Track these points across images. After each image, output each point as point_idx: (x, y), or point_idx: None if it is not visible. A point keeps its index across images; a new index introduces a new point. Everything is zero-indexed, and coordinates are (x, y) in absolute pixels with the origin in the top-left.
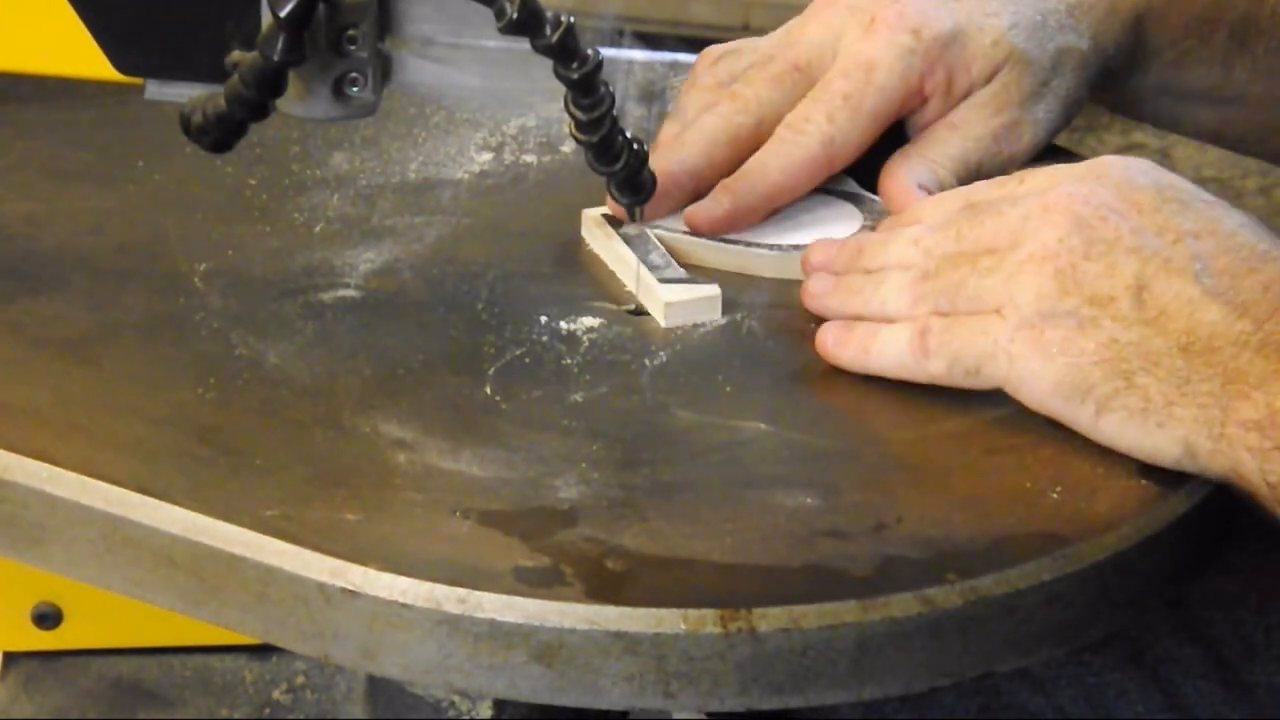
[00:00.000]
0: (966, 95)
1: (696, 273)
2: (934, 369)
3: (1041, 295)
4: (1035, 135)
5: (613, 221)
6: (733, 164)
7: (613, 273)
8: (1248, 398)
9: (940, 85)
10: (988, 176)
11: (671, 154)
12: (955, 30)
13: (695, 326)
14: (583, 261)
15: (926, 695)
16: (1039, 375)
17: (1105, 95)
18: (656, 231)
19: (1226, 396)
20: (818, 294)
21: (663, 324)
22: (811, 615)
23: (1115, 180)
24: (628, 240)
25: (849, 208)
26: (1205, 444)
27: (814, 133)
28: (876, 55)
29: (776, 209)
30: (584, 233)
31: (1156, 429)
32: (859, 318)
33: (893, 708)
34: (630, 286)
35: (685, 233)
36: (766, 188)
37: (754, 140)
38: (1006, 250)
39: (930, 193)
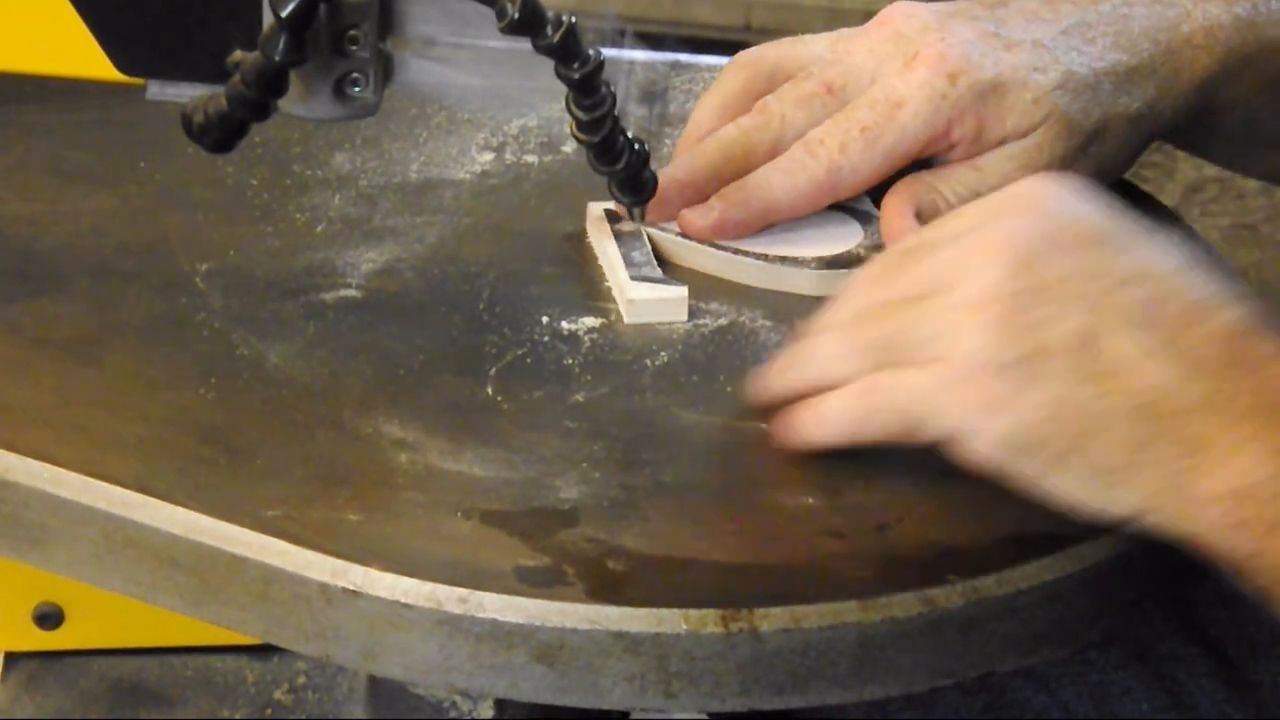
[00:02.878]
0: (999, 144)
1: (683, 275)
2: (877, 428)
3: (984, 345)
4: None
5: (612, 217)
6: (741, 177)
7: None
8: (1212, 471)
9: (969, 133)
10: None
11: (684, 160)
12: (995, 81)
13: (697, 327)
14: (584, 261)
15: (930, 693)
16: (985, 432)
17: (1167, 143)
18: (651, 231)
19: (1186, 467)
20: (764, 387)
21: (625, 320)
22: (813, 615)
23: (1054, 213)
24: (619, 237)
25: (852, 224)
26: (1165, 509)
27: (823, 159)
28: (907, 94)
29: (771, 223)
30: (588, 224)
31: (1105, 490)
32: (811, 390)
33: (896, 705)
34: (609, 281)
35: (680, 235)
36: (762, 204)
37: (769, 158)
38: (945, 292)
39: (924, 221)
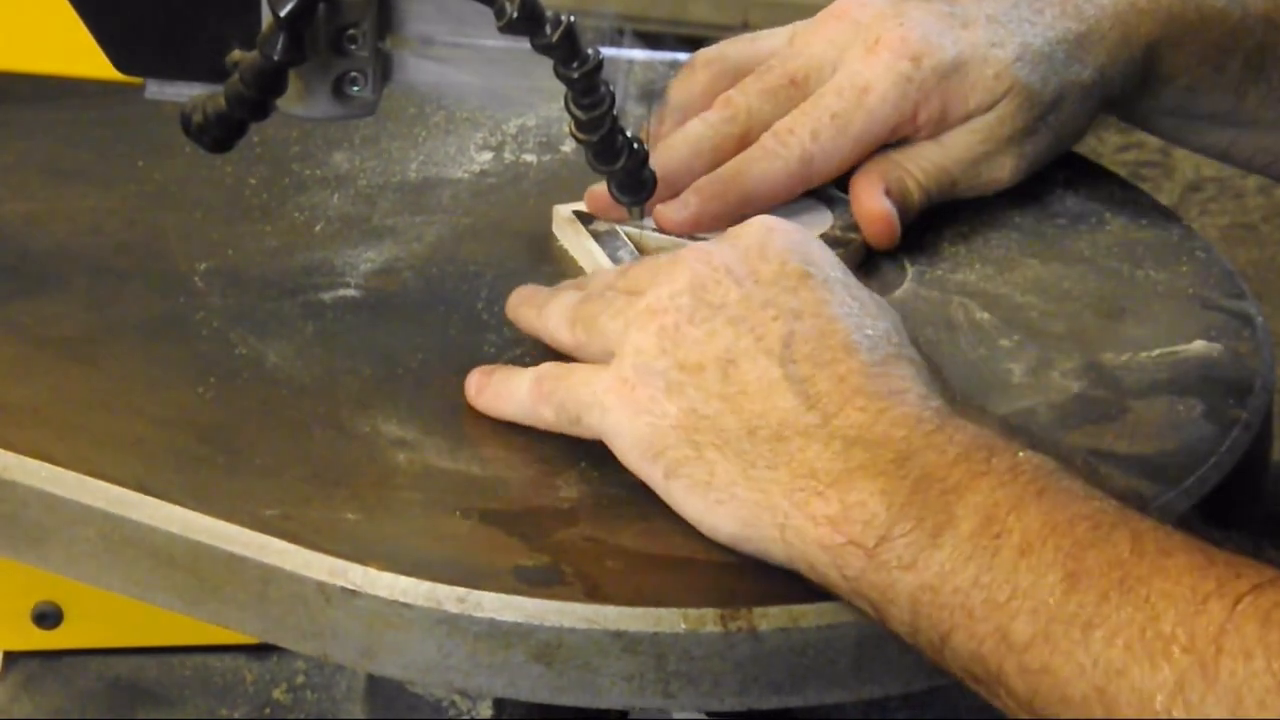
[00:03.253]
0: (962, 122)
1: None
2: (546, 415)
3: (641, 350)
4: (1019, 167)
5: (584, 218)
6: (711, 171)
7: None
8: (820, 495)
9: (934, 114)
10: (966, 197)
11: (654, 158)
12: (957, 60)
13: None
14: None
15: (928, 691)
16: (625, 429)
17: (1113, 114)
18: (628, 230)
19: (794, 489)
20: (510, 303)
21: None
22: (811, 614)
23: (746, 245)
24: (597, 237)
25: (822, 210)
26: (768, 530)
27: (795, 147)
28: (873, 79)
29: (747, 215)
30: (554, 229)
31: (717, 505)
32: (532, 331)
33: (895, 703)
34: None
35: (654, 230)
36: (737, 196)
37: (738, 152)
38: (638, 296)
39: (895, 199)
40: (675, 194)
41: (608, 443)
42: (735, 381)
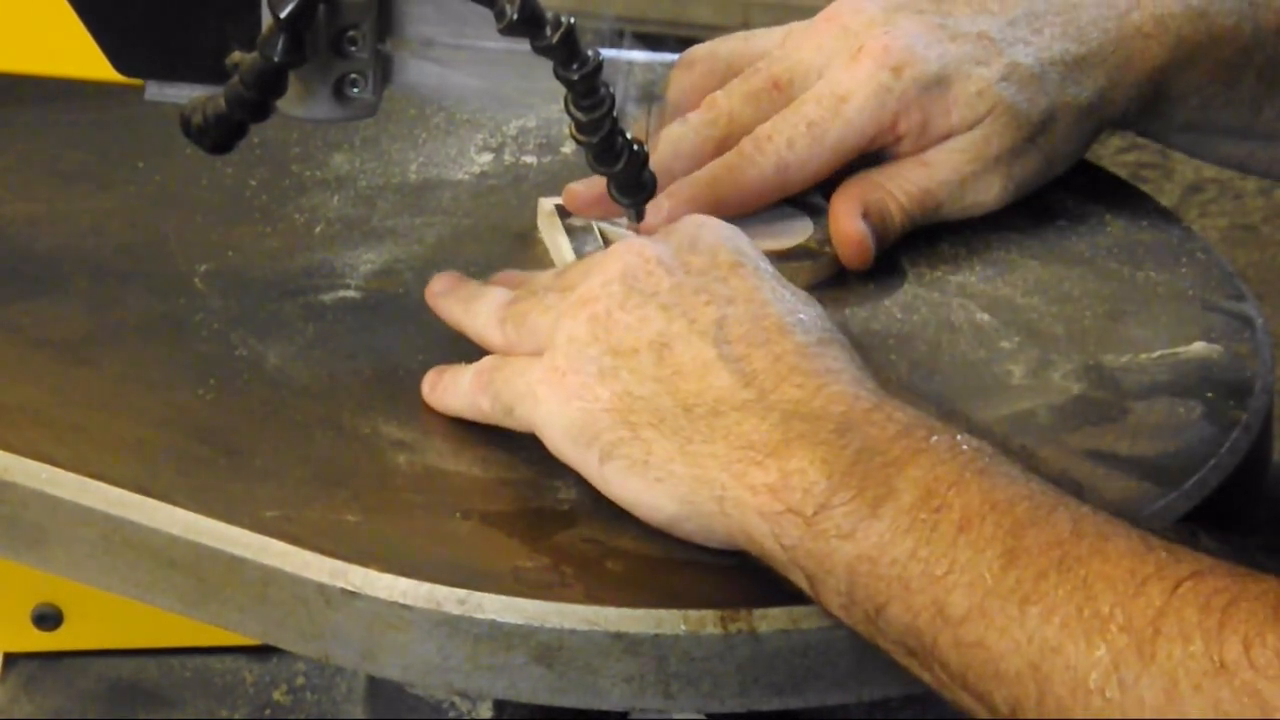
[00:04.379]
0: (945, 138)
1: None
2: (484, 406)
3: (572, 339)
4: (1006, 189)
5: (562, 212)
6: (690, 173)
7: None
8: (759, 464)
9: (915, 126)
10: (949, 219)
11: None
12: (940, 74)
13: None
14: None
15: (931, 692)
16: (556, 417)
17: (1118, 130)
18: (603, 226)
19: (732, 460)
20: (431, 290)
21: None
22: (812, 616)
23: (680, 239)
24: (571, 232)
25: (803, 218)
26: (708, 505)
27: (771, 154)
28: (853, 88)
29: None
30: (538, 221)
31: (655, 483)
32: (458, 326)
33: (897, 702)
34: None
35: (630, 229)
36: (711, 201)
37: (717, 155)
38: (569, 290)
39: (873, 221)
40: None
41: (540, 435)
42: (669, 364)
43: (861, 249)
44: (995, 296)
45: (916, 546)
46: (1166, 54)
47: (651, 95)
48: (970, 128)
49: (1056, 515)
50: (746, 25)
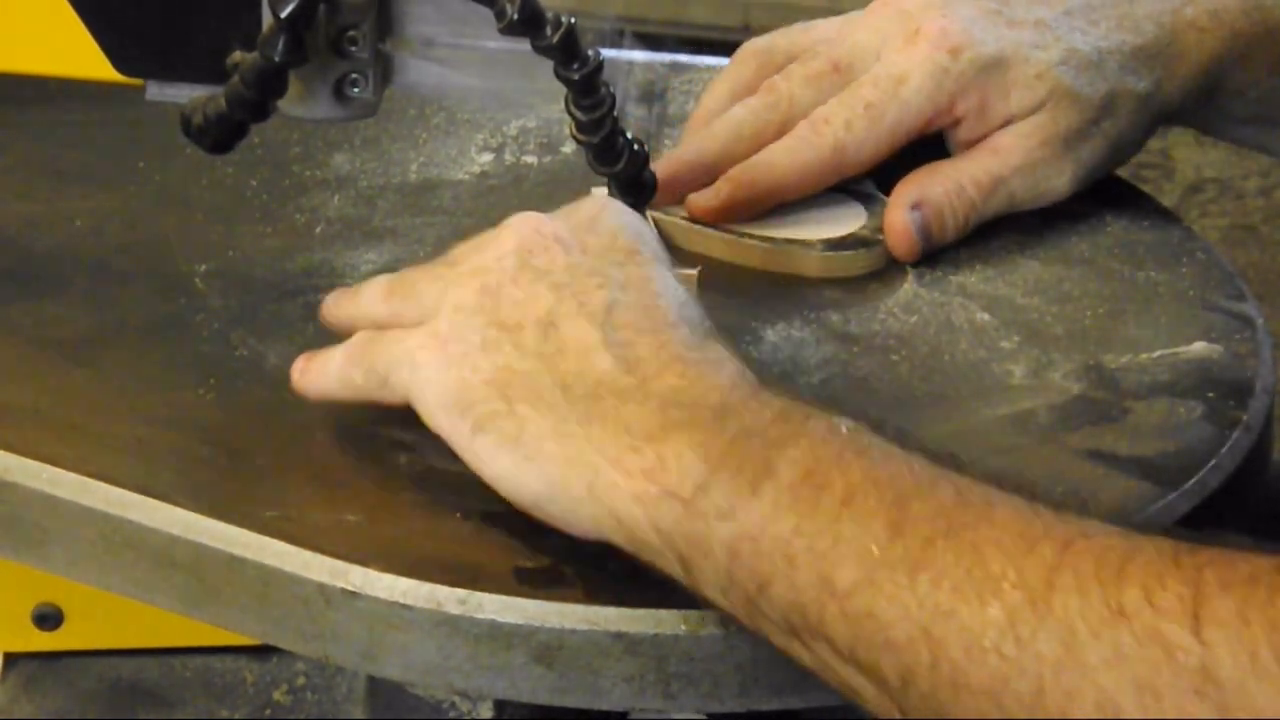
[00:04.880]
0: (1005, 123)
1: (688, 259)
2: (356, 379)
3: (459, 307)
4: (1077, 174)
5: None
6: (751, 157)
7: None
8: (636, 450)
9: (973, 108)
10: (1023, 208)
11: (694, 142)
12: (998, 56)
13: None
14: None
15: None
16: (432, 384)
17: (1178, 124)
18: (655, 214)
19: (606, 445)
20: (324, 306)
21: None
22: None
23: (580, 218)
24: None
25: (856, 207)
26: (576, 488)
27: (828, 136)
28: (909, 69)
29: (778, 204)
30: None
31: (525, 461)
32: (349, 324)
33: None
34: None
35: (685, 218)
36: (769, 184)
37: (778, 138)
38: (459, 263)
39: (928, 213)
40: (714, 178)
41: (414, 402)
42: (554, 342)
43: (906, 240)
44: (995, 296)
45: (800, 523)
46: (1222, 47)
47: (652, 95)
48: (1031, 112)
49: (940, 486)
50: (747, 25)
